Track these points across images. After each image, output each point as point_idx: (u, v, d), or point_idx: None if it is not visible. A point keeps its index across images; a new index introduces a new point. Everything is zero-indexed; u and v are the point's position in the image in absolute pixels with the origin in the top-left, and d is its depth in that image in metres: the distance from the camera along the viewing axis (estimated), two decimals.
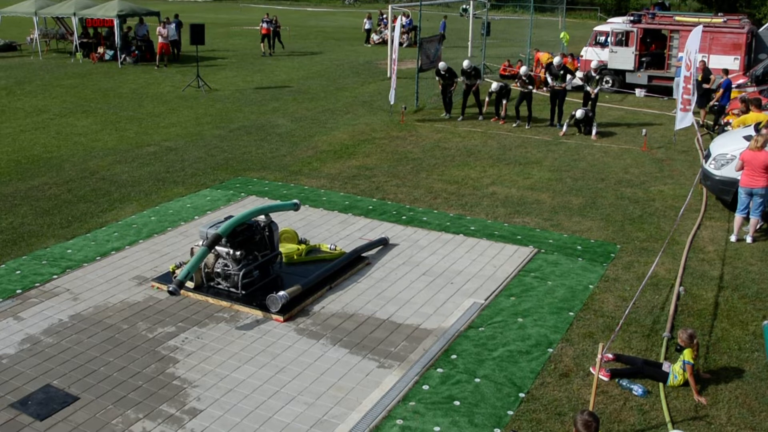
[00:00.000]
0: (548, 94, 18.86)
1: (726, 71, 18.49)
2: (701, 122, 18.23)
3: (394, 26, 22.43)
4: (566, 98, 18.54)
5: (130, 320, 8.46)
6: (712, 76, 18.47)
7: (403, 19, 22.51)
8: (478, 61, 25.77)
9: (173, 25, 29.05)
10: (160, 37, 28.01)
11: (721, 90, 17.83)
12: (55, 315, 8.55)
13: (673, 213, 11.94)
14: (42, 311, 8.64)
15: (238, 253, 8.87)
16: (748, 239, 10.84)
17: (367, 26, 37.13)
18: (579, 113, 17.48)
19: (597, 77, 18.19)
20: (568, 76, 18.23)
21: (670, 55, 22.42)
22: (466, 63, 18.89)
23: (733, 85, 18.85)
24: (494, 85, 18.92)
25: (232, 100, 21.55)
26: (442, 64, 19.06)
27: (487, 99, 19.18)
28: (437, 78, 19.21)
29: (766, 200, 10.69)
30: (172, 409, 6.82)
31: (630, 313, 8.52)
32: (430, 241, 10.82)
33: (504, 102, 18.79)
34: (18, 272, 9.70)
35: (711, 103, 18.14)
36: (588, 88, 18.06)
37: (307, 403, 6.92)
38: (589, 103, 18.31)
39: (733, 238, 10.89)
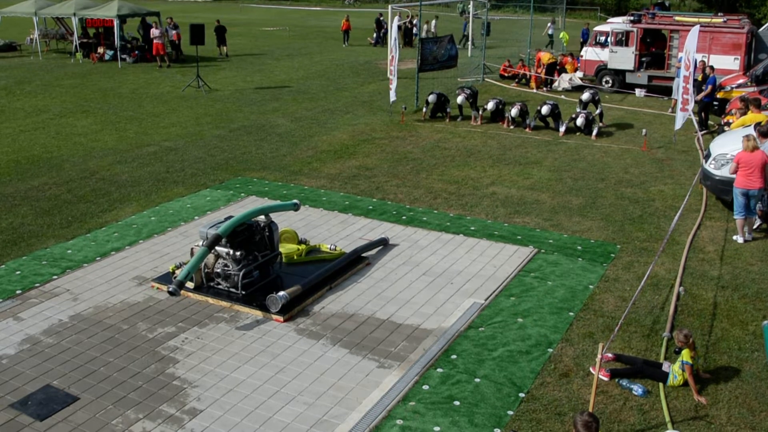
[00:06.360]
0: (547, 94, 18.82)
1: (712, 68, 18.51)
2: (701, 121, 18.20)
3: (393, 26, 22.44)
4: (564, 97, 18.50)
5: (130, 320, 8.46)
6: None
7: (398, 19, 22.63)
8: (478, 61, 25.81)
9: (166, 27, 29.20)
10: (154, 38, 28.07)
11: (710, 87, 17.83)
12: (55, 315, 8.55)
13: (673, 213, 11.92)
14: (42, 311, 8.64)
15: (238, 253, 8.88)
16: (748, 238, 10.85)
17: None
18: (544, 109, 17.50)
19: (592, 103, 18.54)
20: (559, 122, 17.74)
21: (670, 55, 22.42)
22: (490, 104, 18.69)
23: (728, 86, 18.84)
24: (491, 104, 18.69)
25: (232, 100, 21.55)
26: (460, 99, 18.80)
27: (480, 113, 18.80)
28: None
29: (758, 200, 10.71)
30: (172, 410, 6.82)
31: (630, 313, 8.52)
32: (430, 242, 10.82)
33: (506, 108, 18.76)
34: (18, 272, 9.70)
35: (698, 97, 18.04)
36: (592, 115, 18.13)
37: (307, 403, 6.92)
38: (589, 105, 18.47)
39: (740, 240, 10.85)
